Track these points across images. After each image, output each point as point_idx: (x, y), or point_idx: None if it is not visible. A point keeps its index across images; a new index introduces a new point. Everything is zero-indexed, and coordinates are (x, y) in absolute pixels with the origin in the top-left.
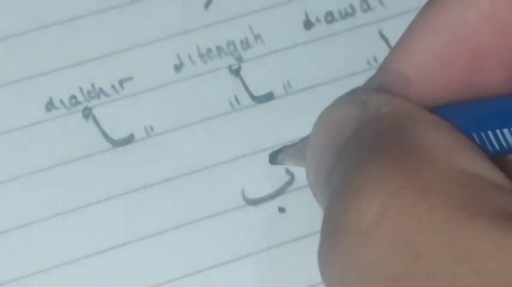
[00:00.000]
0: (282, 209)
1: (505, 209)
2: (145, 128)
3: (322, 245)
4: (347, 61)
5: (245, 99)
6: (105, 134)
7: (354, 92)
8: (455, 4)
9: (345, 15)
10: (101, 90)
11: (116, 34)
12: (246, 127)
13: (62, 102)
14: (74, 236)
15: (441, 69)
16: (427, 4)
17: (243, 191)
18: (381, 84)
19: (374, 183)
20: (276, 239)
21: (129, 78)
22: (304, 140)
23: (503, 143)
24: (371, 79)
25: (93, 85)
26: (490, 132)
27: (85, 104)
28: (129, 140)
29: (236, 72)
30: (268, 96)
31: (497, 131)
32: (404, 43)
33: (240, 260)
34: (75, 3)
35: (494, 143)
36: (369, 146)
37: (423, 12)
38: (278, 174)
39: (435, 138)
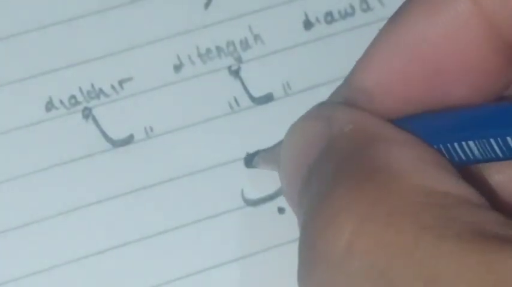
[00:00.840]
0: (281, 210)
1: (472, 225)
2: (145, 128)
3: (299, 272)
4: (347, 61)
5: (244, 100)
6: (105, 135)
7: (322, 105)
8: (416, 22)
9: (344, 16)
10: (101, 90)
11: (116, 34)
12: (245, 128)
13: (61, 102)
14: (74, 236)
15: (403, 84)
16: (389, 20)
17: (242, 191)
18: (345, 97)
19: (342, 211)
20: (275, 239)
21: (129, 79)
22: (278, 145)
23: (469, 153)
24: (337, 90)
25: (93, 85)
26: (455, 144)
27: (85, 104)
28: (129, 140)
29: (236, 73)
30: (268, 98)
31: (463, 143)
32: (366, 59)
33: (239, 260)
34: (75, 3)
35: (460, 153)
36: (335, 169)
37: (386, 29)
38: (278, 174)
39: (399, 157)
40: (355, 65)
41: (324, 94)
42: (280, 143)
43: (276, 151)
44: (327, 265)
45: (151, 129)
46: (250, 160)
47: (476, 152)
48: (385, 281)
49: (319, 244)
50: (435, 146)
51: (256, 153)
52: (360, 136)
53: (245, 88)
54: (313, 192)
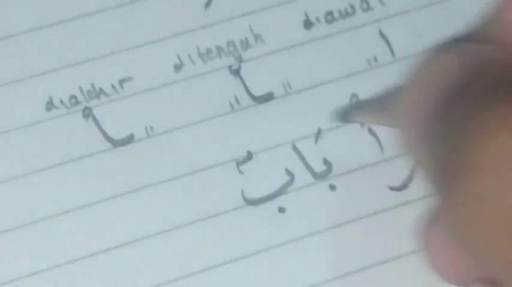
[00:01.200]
0: (282, 209)
1: None
2: (145, 128)
3: (441, 188)
4: (347, 61)
5: (245, 100)
6: (105, 134)
7: (452, 43)
8: None
9: (345, 15)
10: (101, 90)
11: (116, 34)
12: (245, 127)
13: (62, 102)
14: (74, 236)
15: None
16: None
17: (242, 191)
18: (487, 35)
19: (499, 120)
20: (276, 239)
21: (129, 78)
22: (381, 97)
23: None
24: (473, 32)
25: (93, 85)
26: None
27: (85, 104)
28: (129, 140)
29: (236, 72)
30: (268, 97)
31: None
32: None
33: (240, 260)
34: (75, 3)
35: None
36: (487, 91)
37: None
38: (278, 174)
39: None
40: (498, 4)
41: (324, 93)
42: (386, 92)
43: (379, 102)
44: (483, 174)
45: (152, 129)
46: (346, 114)
47: None
48: None
49: (473, 153)
50: None
51: (355, 106)
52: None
53: (245, 87)
54: (459, 113)
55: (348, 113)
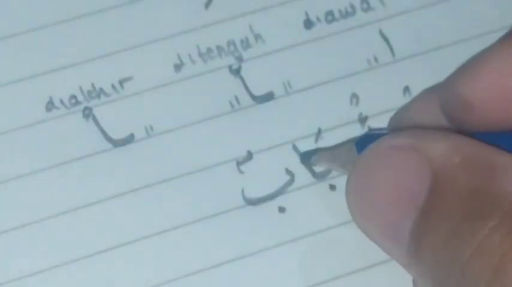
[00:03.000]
0: (282, 209)
1: None
2: (146, 128)
3: None
4: (347, 61)
5: (245, 99)
6: (105, 134)
7: (403, 132)
8: None
9: (345, 15)
10: (101, 90)
11: (116, 34)
12: (246, 127)
13: (62, 102)
14: (74, 236)
15: (506, 101)
16: (502, 37)
17: (243, 191)
18: (442, 101)
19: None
20: (276, 239)
21: (129, 78)
22: (341, 147)
23: None
24: (423, 95)
25: (93, 85)
26: None
27: (85, 104)
28: (129, 140)
29: (236, 72)
30: (269, 96)
31: None
32: (476, 67)
33: (240, 260)
34: (75, 3)
35: None
36: (459, 207)
37: (502, 41)
38: (278, 174)
39: None
40: (457, 71)
41: (324, 93)
42: (342, 144)
43: (338, 152)
44: None
45: (152, 129)
46: (308, 157)
47: None
48: None
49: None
50: None
51: (315, 151)
52: (475, 167)
53: (246, 87)
54: (438, 234)
55: (308, 158)
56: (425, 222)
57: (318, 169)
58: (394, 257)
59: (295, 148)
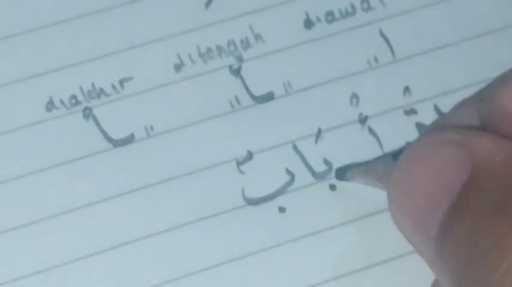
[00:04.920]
0: (282, 209)
1: None
2: (146, 128)
3: None
4: (347, 61)
5: (245, 99)
6: (105, 134)
7: (447, 128)
8: None
9: (345, 15)
10: (101, 90)
11: (116, 34)
12: (246, 127)
13: (62, 102)
14: (74, 236)
15: None
16: None
17: (243, 191)
18: (482, 114)
19: None
20: (276, 239)
21: (129, 78)
22: (378, 160)
23: None
24: (464, 105)
25: (93, 85)
26: None
27: (85, 104)
28: (129, 140)
29: (236, 72)
30: (269, 96)
31: None
32: (510, 80)
33: (240, 260)
34: (74, 3)
35: None
36: (494, 203)
37: None
38: (278, 174)
39: None
40: (496, 82)
41: (324, 93)
42: (379, 159)
43: (374, 167)
44: None
45: (152, 129)
46: (343, 173)
47: None
48: None
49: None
50: None
51: (350, 167)
52: None
53: (246, 87)
54: (464, 227)
55: (343, 173)
56: (454, 215)
57: (353, 183)
58: (422, 253)
59: (295, 148)
